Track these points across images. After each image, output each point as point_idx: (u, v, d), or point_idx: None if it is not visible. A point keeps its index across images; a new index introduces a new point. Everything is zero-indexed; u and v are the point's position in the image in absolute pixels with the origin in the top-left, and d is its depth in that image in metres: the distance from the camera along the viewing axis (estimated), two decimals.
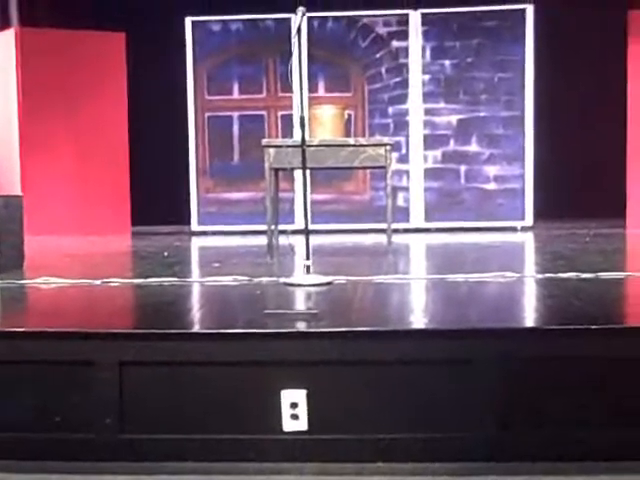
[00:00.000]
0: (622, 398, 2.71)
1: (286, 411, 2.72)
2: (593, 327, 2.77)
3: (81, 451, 2.78)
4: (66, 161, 8.00)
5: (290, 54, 4.32)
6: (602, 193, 7.93)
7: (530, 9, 8.11)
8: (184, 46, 8.43)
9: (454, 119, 8.32)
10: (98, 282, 4.22)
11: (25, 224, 5.12)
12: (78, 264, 5.49)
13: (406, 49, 8.33)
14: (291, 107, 8.07)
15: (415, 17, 8.30)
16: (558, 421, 2.71)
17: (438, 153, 8.34)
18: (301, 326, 2.91)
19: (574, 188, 8.49)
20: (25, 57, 7.77)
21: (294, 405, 2.72)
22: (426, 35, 8.31)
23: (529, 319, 3.20)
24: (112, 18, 8.05)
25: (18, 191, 7.57)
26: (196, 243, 7.44)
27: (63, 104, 7.90)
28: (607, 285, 3.87)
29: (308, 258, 4.14)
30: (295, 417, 2.72)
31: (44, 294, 4.06)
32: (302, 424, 2.73)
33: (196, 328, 3.06)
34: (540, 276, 4.22)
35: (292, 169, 5.53)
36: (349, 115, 6.91)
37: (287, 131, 8.16)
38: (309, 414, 2.73)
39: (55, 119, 7.90)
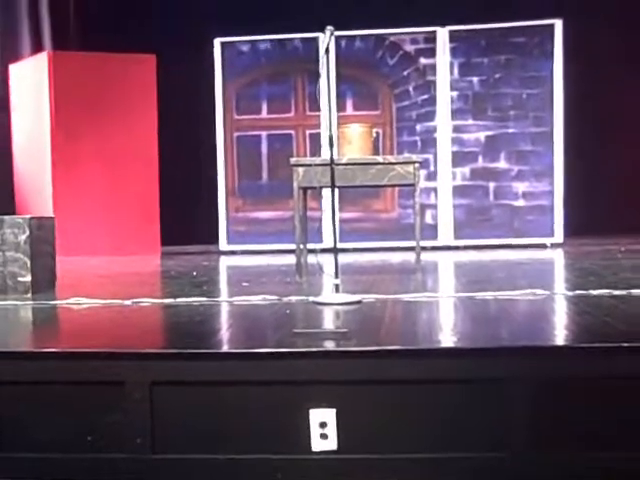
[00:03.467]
0: None
1: (315, 430, 2.72)
2: (625, 345, 2.74)
3: (112, 471, 2.79)
4: (97, 182, 8.09)
5: (318, 73, 4.35)
6: (633, 208, 7.86)
7: (559, 24, 8.09)
8: (213, 67, 8.51)
9: (482, 136, 8.30)
10: (129, 302, 4.26)
11: (56, 245, 5.18)
12: (109, 284, 5.54)
13: (434, 66, 8.34)
14: (319, 126, 8.11)
15: (443, 34, 8.32)
16: (589, 442, 2.68)
17: (466, 170, 8.32)
18: (330, 345, 2.91)
19: (604, 204, 8.43)
20: (58, 80, 7.89)
21: (323, 424, 2.72)
22: (454, 52, 8.32)
23: (559, 337, 3.17)
24: (143, 40, 8.16)
25: (49, 212, 7.68)
26: (225, 262, 7.48)
27: (94, 126, 8.00)
28: (639, 302, 3.82)
29: (337, 277, 4.14)
30: (324, 436, 2.72)
31: (75, 314, 4.10)
32: (331, 444, 2.72)
33: (225, 348, 3.07)
34: (571, 293, 4.18)
35: (321, 188, 5.54)
36: (377, 133, 6.92)
37: (315, 150, 8.19)
38: (338, 433, 2.72)
39: (87, 141, 8.00)
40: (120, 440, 2.80)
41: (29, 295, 4.64)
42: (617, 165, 8.22)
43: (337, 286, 4.13)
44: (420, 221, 5.55)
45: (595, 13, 8.08)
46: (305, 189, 5.66)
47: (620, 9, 7.93)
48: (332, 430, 2.72)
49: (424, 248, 6.23)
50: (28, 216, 4.91)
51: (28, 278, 4.70)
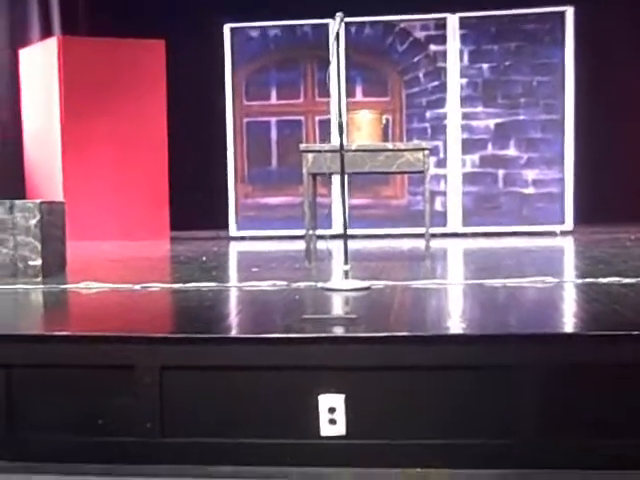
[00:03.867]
0: None
1: (324, 416, 2.73)
2: (634, 333, 2.74)
3: (122, 454, 2.81)
4: (107, 167, 8.10)
5: (328, 59, 4.34)
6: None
7: (570, 11, 8.03)
8: (223, 52, 8.50)
9: (492, 123, 8.27)
10: (138, 287, 4.27)
11: (66, 229, 5.20)
12: (119, 269, 5.56)
13: (444, 53, 8.31)
14: (329, 112, 8.10)
15: (453, 20, 8.27)
16: (598, 429, 2.69)
17: (476, 157, 8.30)
18: (339, 331, 2.92)
19: (614, 191, 8.40)
20: (67, 65, 7.89)
21: (332, 410, 2.73)
22: (464, 39, 8.28)
23: (568, 325, 3.17)
24: (152, 26, 8.15)
25: (60, 196, 7.70)
26: (234, 248, 7.49)
27: (104, 111, 8.01)
28: None
29: (346, 263, 4.15)
30: (333, 422, 2.73)
31: (85, 299, 4.12)
32: (340, 429, 2.74)
33: (235, 333, 3.08)
34: (580, 281, 4.18)
35: (330, 174, 5.54)
36: (387, 120, 6.90)
37: (325, 136, 8.18)
38: (347, 419, 2.73)
39: (96, 126, 8.01)
40: (130, 424, 2.82)
41: (39, 279, 4.67)
42: (628, 153, 8.18)
43: (346, 272, 4.14)
44: (429, 208, 5.55)
45: (606, 0, 8.03)
46: (314, 175, 5.66)
47: None
48: (341, 415, 2.73)
49: (433, 235, 6.23)
50: (38, 200, 4.93)
51: (38, 262, 4.73)
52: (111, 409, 2.82)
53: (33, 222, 4.72)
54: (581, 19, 7.97)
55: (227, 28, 8.51)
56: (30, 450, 2.85)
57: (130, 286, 4.31)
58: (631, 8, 7.89)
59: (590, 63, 7.95)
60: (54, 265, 4.91)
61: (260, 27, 8.55)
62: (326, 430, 2.74)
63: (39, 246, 4.72)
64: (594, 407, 2.69)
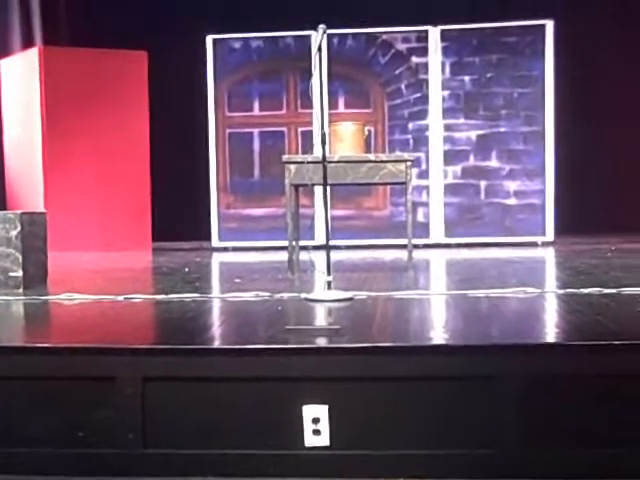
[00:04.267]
0: None
1: (308, 426, 2.73)
2: (615, 343, 2.76)
3: (104, 466, 2.79)
4: (88, 177, 8.07)
5: (310, 71, 4.35)
6: (624, 207, 7.91)
7: (550, 25, 8.12)
8: (205, 63, 8.51)
9: (474, 134, 8.33)
10: (120, 298, 4.25)
11: (48, 240, 5.17)
12: (100, 280, 5.53)
13: (426, 65, 8.36)
14: (311, 123, 8.11)
15: (434, 33, 8.33)
16: (580, 438, 2.70)
17: (458, 169, 8.35)
18: (322, 342, 2.92)
19: (595, 203, 8.47)
20: (48, 75, 7.87)
21: (316, 420, 2.73)
22: (445, 51, 8.34)
23: (550, 335, 3.19)
24: (134, 37, 8.14)
25: (41, 207, 7.66)
26: (217, 259, 7.47)
27: (86, 121, 7.99)
28: (630, 301, 3.84)
29: (329, 274, 4.15)
30: (317, 432, 2.73)
31: (67, 310, 4.10)
32: (324, 439, 2.73)
33: (217, 344, 3.07)
34: (561, 292, 4.20)
35: (313, 185, 5.55)
36: (369, 131, 6.93)
37: (307, 147, 8.20)
38: (331, 429, 2.73)
39: (78, 136, 7.98)
40: (111, 435, 2.80)
41: (20, 290, 4.63)
42: (608, 164, 8.25)
43: (329, 283, 4.14)
44: (412, 219, 5.56)
45: (586, 13, 8.11)
46: (297, 186, 5.67)
47: (610, 9, 7.96)
48: (325, 426, 2.73)
49: (416, 246, 6.25)
50: (19, 211, 4.90)
51: (20, 273, 4.70)
52: (92, 421, 2.80)
53: (14, 233, 4.69)
54: (561, 32, 8.05)
55: (209, 39, 8.53)
56: (10, 463, 2.82)
57: (112, 297, 4.29)
58: (609, 22, 7.98)
59: (570, 75, 8.03)
60: (35, 276, 4.88)
61: (242, 38, 8.56)
62: (310, 441, 2.73)
63: (20, 257, 4.69)
64: (576, 417, 2.71)
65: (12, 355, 2.90)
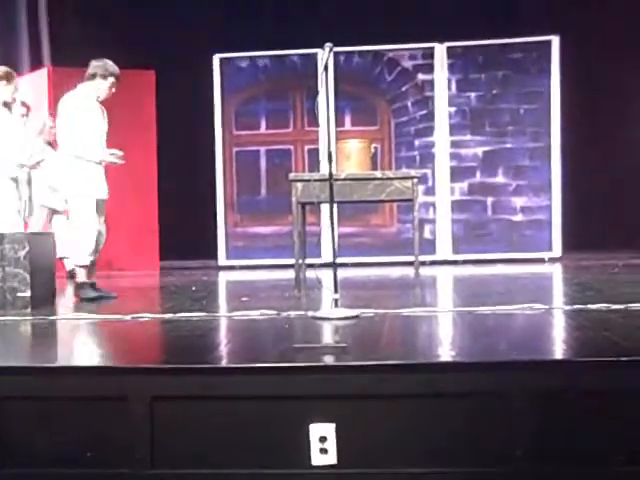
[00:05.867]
0: None
1: (315, 445, 2.72)
2: (623, 359, 2.75)
3: None
4: None
5: (316, 89, 4.38)
6: (631, 223, 7.89)
7: (556, 41, 8.14)
8: (212, 82, 8.55)
9: (480, 151, 8.34)
10: (128, 317, 4.26)
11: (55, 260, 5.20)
12: (109, 299, 5.53)
13: (432, 82, 8.38)
14: (318, 141, 8.14)
15: (440, 50, 8.36)
16: (589, 454, 2.69)
17: (465, 185, 8.35)
18: (329, 360, 2.92)
19: (602, 219, 8.45)
20: (57, 95, 7.89)
21: (323, 439, 2.72)
22: (451, 68, 8.37)
23: (558, 351, 3.18)
24: (142, 56, 8.20)
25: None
26: (224, 277, 7.49)
27: None
28: (637, 316, 3.83)
29: (336, 291, 4.16)
30: (324, 451, 2.72)
31: (75, 330, 4.11)
32: (331, 458, 2.72)
33: (225, 362, 3.08)
34: (569, 308, 4.19)
35: (319, 203, 5.55)
36: (375, 148, 6.94)
37: (314, 165, 8.22)
38: (338, 448, 2.72)
39: None
40: (120, 455, 2.79)
41: (29, 310, 4.65)
42: (614, 180, 8.23)
43: (336, 301, 4.14)
44: (419, 236, 5.56)
45: (591, 29, 8.13)
46: (304, 204, 5.68)
47: (614, 26, 7.98)
48: (332, 445, 2.72)
49: (423, 263, 6.25)
50: (28, 231, 4.93)
51: (28, 293, 4.71)
52: (101, 440, 2.80)
53: (22, 253, 4.71)
54: (566, 48, 8.07)
55: (216, 58, 8.58)
56: None
57: (120, 317, 4.30)
58: (614, 37, 7.99)
59: (576, 91, 8.03)
60: (44, 296, 4.89)
61: (249, 57, 8.62)
62: (317, 459, 2.73)
63: (28, 277, 4.71)
64: (585, 433, 2.69)
65: (21, 375, 2.91)
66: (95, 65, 5.46)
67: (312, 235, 6.18)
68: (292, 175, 5.61)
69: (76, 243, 5.31)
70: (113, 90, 5.51)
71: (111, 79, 5.45)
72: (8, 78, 5.49)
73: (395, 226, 8.41)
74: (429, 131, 8.40)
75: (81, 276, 5.31)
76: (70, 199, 5.37)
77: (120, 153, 5.50)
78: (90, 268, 5.38)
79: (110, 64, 5.48)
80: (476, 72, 8.33)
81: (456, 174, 8.36)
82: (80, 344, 3.78)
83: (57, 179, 5.54)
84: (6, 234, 4.76)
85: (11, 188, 5.37)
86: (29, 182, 5.93)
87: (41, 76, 7.99)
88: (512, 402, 2.71)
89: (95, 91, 5.42)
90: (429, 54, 8.39)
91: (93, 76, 5.42)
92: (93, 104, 5.41)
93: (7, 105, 5.58)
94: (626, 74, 8.01)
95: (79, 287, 5.30)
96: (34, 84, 8.09)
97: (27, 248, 4.71)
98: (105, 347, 3.70)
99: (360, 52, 8.47)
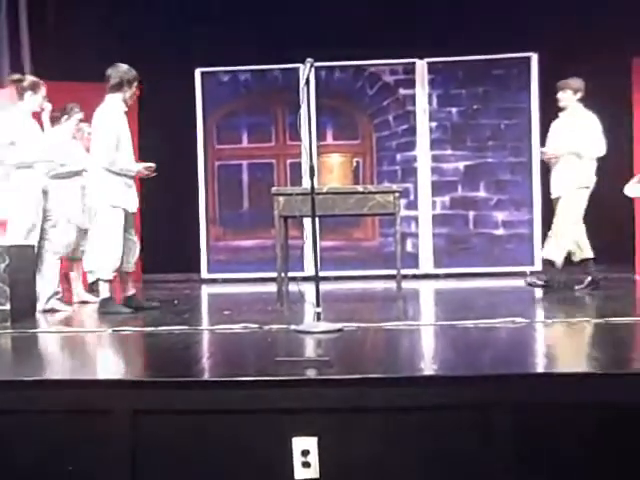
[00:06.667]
0: (636, 445, 2.69)
1: (297, 459, 2.72)
2: (603, 372, 2.77)
3: None
4: None
5: (298, 103, 4.39)
6: (610, 238, 7.94)
7: (535, 57, 8.23)
8: (194, 96, 8.56)
9: (461, 165, 8.38)
10: (110, 330, 4.24)
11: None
12: (90, 312, 5.51)
13: (413, 97, 8.43)
14: (300, 155, 8.16)
15: (421, 66, 8.42)
16: (570, 468, 2.70)
17: (446, 199, 8.39)
18: (312, 373, 2.92)
19: None
20: None
21: (305, 453, 2.71)
22: (432, 83, 8.42)
23: (539, 365, 3.20)
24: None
25: None
26: (206, 291, 7.47)
27: None
28: (617, 330, 3.86)
29: (318, 305, 4.16)
30: (306, 465, 2.72)
31: (56, 343, 4.08)
32: (313, 472, 2.72)
33: (207, 376, 3.07)
34: (550, 321, 4.22)
35: (301, 217, 5.56)
36: (357, 163, 6.96)
37: (296, 179, 8.23)
38: (320, 461, 2.72)
39: None
40: (101, 469, 2.77)
41: (8, 324, 4.61)
42: (594, 194, 8.29)
43: (318, 314, 4.15)
44: (401, 250, 5.59)
45: (570, 46, 8.21)
46: (286, 218, 5.69)
47: (593, 43, 8.07)
48: (314, 458, 2.72)
49: (405, 276, 6.27)
50: (7, 244, 4.90)
51: (7, 307, 4.68)
52: (82, 454, 2.78)
53: (2, 266, 4.69)
54: (545, 64, 8.14)
55: (198, 72, 8.59)
56: None
57: (101, 330, 4.27)
58: (594, 53, 8.07)
59: (555, 107, 8.09)
60: (24, 309, 4.86)
61: (231, 71, 8.63)
62: (299, 473, 2.72)
63: (8, 290, 4.68)
64: (567, 446, 2.71)
65: (1, 389, 2.89)
66: (117, 73, 5.37)
67: (294, 249, 6.18)
68: (274, 189, 5.62)
69: (100, 256, 5.26)
70: (137, 93, 5.48)
71: (135, 83, 5.42)
72: (34, 88, 5.44)
73: (377, 240, 8.43)
74: (411, 145, 8.44)
75: (104, 291, 5.24)
76: (98, 211, 5.32)
77: (153, 166, 5.49)
78: (124, 278, 5.35)
79: (126, 67, 5.44)
80: (457, 88, 8.39)
81: (438, 188, 8.40)
82: (60, 357, 3.75)
83: (88, 191, 5.48)
84: None
85: (37, 200, 5.26)
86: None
87: None
88: (494, 415, 2.72)
89: (124, 100, 5.38)
90: (410, 69, 8.45)
91: (120, 85, 5.35)
92: (123, 115, 5.39)
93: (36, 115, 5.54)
94: (605, 89, 8.09)
95: (103, 303, 5.21)
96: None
97: (7, 261, 4.69)
98: (86, 360, 3.68)
99: (341, 67, 8.51)
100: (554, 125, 6.26)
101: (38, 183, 5.28)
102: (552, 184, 6.14)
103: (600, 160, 6.13)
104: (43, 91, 5.48)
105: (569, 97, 6.12)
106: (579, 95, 6.14)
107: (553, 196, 6.14)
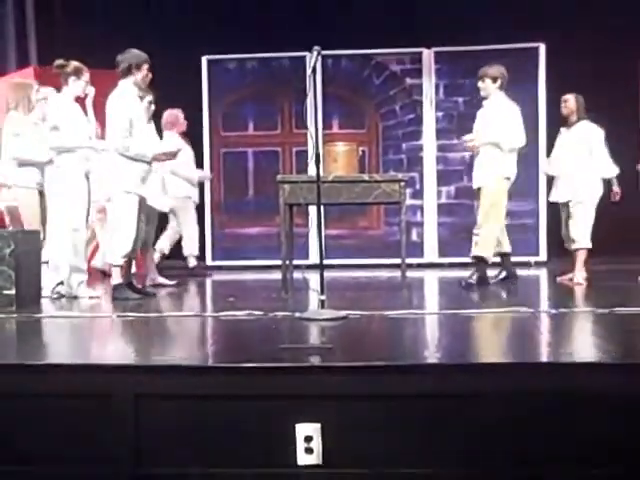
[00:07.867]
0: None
1: (300, 445, 2.73)
2: (608, 362, 2.77)
3: None
4: None
5: (305, 91, 4.39)
6: (615, 228, 7.92)
7: (542, 48, 8.19)
8: (200, 84, 8.54)
9: (467, 155, 8.35)
10: (114, 316, 4.26)
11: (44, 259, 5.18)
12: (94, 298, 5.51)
13: (419, 86, 8.40)
14: (305, 143, 8.14)
15: (428, 55, 8.39)
16: (572, 456, 2.70)
17: (452, 188, 8.38)
18: (316, 360, 2.93)
19: None
20: None
21: (308, 439, 2.72)
22: (439, 73, 8.39)
23: (543, 354, 3.20)
24: None
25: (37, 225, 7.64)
26: (211, 277, 7.47)
27: None
28: (622, 320, 3.86)
29: (323, 293, 4.16)
30: (309, 451, 2.73)
31: (61, 327, 4.09)
32: (316, 458, 2.73)
33: (211, 362, 3.08)
34: (554, 311, 4.22)
35: (307, 204, 5.56)
36: (363, 151, 6.94)
37: (301, 167, 8.21)
38: (323, 448, 2.73)
39: None
40: (104, 453, 2.79)
41: (14, 308, 4.62)
42: (605, 195, 8.27)
43: (323, 302, 4.15)
44: (406, 238, 5.59)
45: (577, 37, 8.17)
46: (291, 206, 5.68)
47: (598, 33, 8.03)
48: (317, 444, 2.73)
49: (409, 265, 6.27)
50: (14, 229, 4.91)
51: (13, 291, 4.69)
52: (85, 438, 2.79)
53: (7, 251, 4.70)
54: (553, 55, 8.11)
55: (205, 60, 8.57)
56: None
57: (106, 315, 4.29)
58: (595, 42, 8.04)
59: (561, 96, 8.07)
60: (29, 294, 4.88)
61: (237, 59, 8.61)
62: (302, 459, 2.73)
63: (13, 275, 4.69)
64: (569, 435, 2.71)
65: (4, 373, 2.90)
66: (124, 58, 5.38)
67: (299, 236, 6.18)
68: (280, 177, 5.62)
69: (113, 241, 5.27)
70: (150, 76, 5.46)
71: (146, 65, 5.41)
72: (77, 73, 5.45)
73: (382, 229, 8.42)
74: (417, 135, 8.42)
75: (116, 277, 5.24)
76: (112, 196, 5.31)
77: (174, 150, 5.49)
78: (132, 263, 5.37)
79: (136, 51, 5.44)
80: (463, 77, 8.35)
81: (443, 178, 8.38)
82: (64, 342, 3.77)
83: (105, 175, 5.48)
84: None
85: (84, 184, 5.32)
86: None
87: (28, 75, 7.94)
88: (497, 403, 2.72)
89: (135, 84, 5.38)
90: (417, 59, 8.42)
91: (129, 69, 5.36)
92: (137, 99, 5.37)
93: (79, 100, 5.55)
94: (613, 79, 8.06)
95: (115, 288, 5.19)
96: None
97: (12, 246, 4.70)
98: (91, 345, 3.69)
99: (348, 56, 8.48)
100: (478, 114, 6.15)
101: (81, 167, 5.30)
102: (474, 175, 6.06)
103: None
104: (86, 76, 5.50)
105: (488, 86, 6.00)
106: (499, 83, 5.99)
107: (474, 187, 6.06)
